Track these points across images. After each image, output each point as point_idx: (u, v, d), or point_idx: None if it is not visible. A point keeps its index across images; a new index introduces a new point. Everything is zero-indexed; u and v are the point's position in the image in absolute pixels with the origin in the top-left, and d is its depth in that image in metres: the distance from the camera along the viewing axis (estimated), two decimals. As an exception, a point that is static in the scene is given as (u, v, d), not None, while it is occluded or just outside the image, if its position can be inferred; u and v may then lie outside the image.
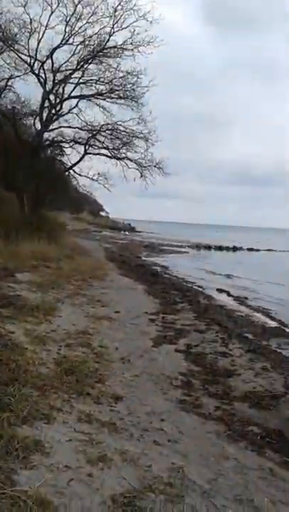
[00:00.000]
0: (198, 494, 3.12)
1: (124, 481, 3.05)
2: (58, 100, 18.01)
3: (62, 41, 17.02)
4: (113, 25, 16.70)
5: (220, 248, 41.46)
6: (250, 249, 42.52)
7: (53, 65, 17.32)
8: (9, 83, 17.34)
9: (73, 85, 17.89)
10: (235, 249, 41.96)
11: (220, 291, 14.97)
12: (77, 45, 17.16)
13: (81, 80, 17.77)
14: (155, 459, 3.47)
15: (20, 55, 16.85)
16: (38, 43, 16.83)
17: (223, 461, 3.68)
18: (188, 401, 4.88)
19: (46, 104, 17.72)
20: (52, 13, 16.58)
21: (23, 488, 2.64)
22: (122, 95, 17.61)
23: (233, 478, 3.44)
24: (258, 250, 42.48)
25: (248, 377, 5.85)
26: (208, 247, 41.43)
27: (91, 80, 17.79)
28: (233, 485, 3.33)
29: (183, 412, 4.58)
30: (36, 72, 17.26)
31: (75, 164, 18.53)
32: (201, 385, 5.42)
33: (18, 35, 16.55)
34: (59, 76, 17.58)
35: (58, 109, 18.05)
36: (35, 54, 16.94)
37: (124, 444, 3.60)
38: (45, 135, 18.28)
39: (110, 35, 16.88)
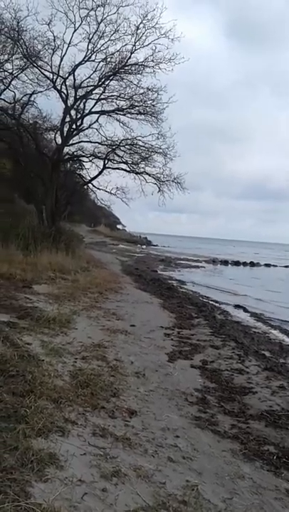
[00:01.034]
0: (213, 514, 3.08)
1: (138, 498, 3.03)
2: (78, 115, 18.32)
3: (84, 58, 17.37)
4: (135, 42, 17.00)
5: (237, 263, 41.25)
6: (268, 265, 42.28)
7: (74, 82, 17.68)
8: (32, 98, 17.76)
9: (94, 101, 18.22)
10: (252, 264, 41.71)
11: (236, 306, 14.85)
12: (99, 62, 17.50)
13: (102, 96, 18.08)
14: (169, 476, 3.44)
15: (43, 71, 17.26)
16: (61, 60, 17.24)
17: (238, 481, 3.63)
18: (203, 418, 4.83)
19: (67, 119, 18.05)
20: (75, 30, 16.99)
21: (37, 500, 2.64)
22: (141, 111, 17.83)
23: (249, 498, 3.39)
24: (275, 266, 42.20)
25: (264, 396, 5.77)
26: (225, 262, 41.27)
27: (112, 96, 18.08)
28: (248, 505, 3.28)
29: (198, 429, 4.53)
30: (58, 88, 17.63)
31: (94, 178, 18.77)
32: (217, 402, 5.37)
33: (41, 52, 16.95)
34: (80, 92, 17.92)
35: (78, 124, 18.36)
36: (58, 70, 17.32)
37: (138, 460, 3.58)
38: (66, 149, 18.58)
39: (132, 53, 17.17)
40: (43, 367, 4.98)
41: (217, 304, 14.64)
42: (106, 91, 18.03)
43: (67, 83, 17.69)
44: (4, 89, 17.43)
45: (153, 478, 3.35)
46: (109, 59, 17.46)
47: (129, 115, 18.18)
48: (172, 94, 17.78)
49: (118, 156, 18.67)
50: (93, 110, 18.31)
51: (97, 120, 18.41)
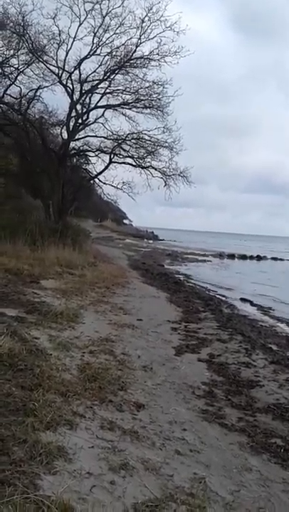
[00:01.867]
0: (221, 506, 3.10)
1: (146, 490, 3.05)
2: (84, 110, 18.28)
3: (89, 52, 17.29)
4: (140, 36, 16.88)
5: (244, 257, 41.10)
6: (275, 259, 42.10)
7: (80, 76, 17.62)
8: (38, 93, 17.72)
9: (100, 95, 18.17)
10: (259, 258, 41.54)
11: (243, 300, 14.83)
12: (105, 56, 17.42)
13: (107, 90, 18.01)
14: (177, 469, 3.47)
15: (48, 66, 17.19)
16: (66, 54, 17.16)
17: (245, 473, 3.65)
18: (210, 411, 4.85)
19: (73, 113, 18.01)
20: (80, 24, 16.90)
21: (46, 493, 2.67)
22: (147, 105, 17.75)
23: (256, 490, 3.41)
24: (282, 260, 42.00)
25: (271, 389, 5.77)
26: (232, 256, 41.15)
27: (117, 90, 18.01)
28: (256, 497, 3.30)
29: (205, 422, 4.55)
30: (64, 82, 17.58)
31: (100, 173, 18.77)
32: (224, 396, 5.38)
33: (47, 47, 16.88)
34: (86, 86, 17.87)
35: (84, 118, 18.32)
36: (64, 65, 17.26)
37: (146, 453, 3.61)
38: (72, 144, 18.55)
39: (137, 46, 17.07)
40: (51, 361, 5.02)
41: (224, 298, 14.64)
42: (111, 85, 17.98)
43: (72, 78, 17.66)
44: (10, 85, 17.43)
45: (161, 470, 3.38)
46: (114, 53, 17.40)
47: (134, 109, 18.12)
48: (178, 88, 17.64)
49: (124, 150, 18.64)
50: (99, 104, 18.29)
51: (102, 114, 18.39)
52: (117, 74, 17.77)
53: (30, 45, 16.46)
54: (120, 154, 18.65)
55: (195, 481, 3.33)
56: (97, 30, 17.02)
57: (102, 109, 18.33)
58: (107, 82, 17.87)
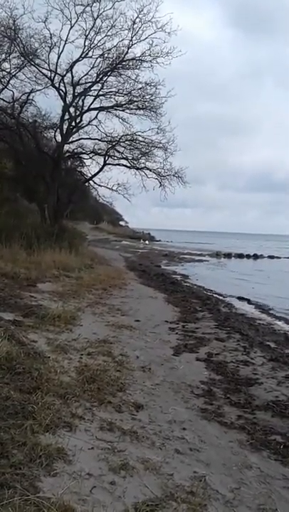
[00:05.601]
0: (221, 503, 3.10)
1: (146, 490, 3.05)
2: (77, 113, 18.33)
3: (81, 55, 17.36)
4: (132, 37, 16.98)
5: (240, 256, 41.18)
6: (271, 257, 42.19)
7: (72, 79, 17.68)
8: (30, 97, 17.75)
9: (93, 97, 18.23)
10: (256, 256, 41.62)
11: (240, 299, 14.84)
12: (97, 58, 17.49)
13: (100, 92, 18.08)
14: (177, 468, 3.47)
15: (40, 69, 17.27)
16: (58, 57, 17.23)
17: (245, 471, 3.65)
18: (209, 410, 4.85)
19: (66, 116, 18.06)
20: (71, 27, 16.97)
21: (46, 495, 2.67)
22: (140, 106, 17.83)
23: (257, 487, 3.41)
24: (278, 258, 42.09)
25: (270, 386, 5.78)
26: (229, 255, 41.22)
27: (110, 91, 18.09)
28: (256, 494, 3.30)
29: (204, 421, 4.55)
30: (56, 85, 17.64)
31: (94, 175, 18.82)
32: (223, 394, 5.38)
33: (38, 50, 16.96)
34: (79, 89, 17.94)
35: (77, 121, 18.37)
36: (56, 68, 17.33)
37: (145, 453, 3.60)
38: (66, 147, 18.62)
39: (129, 48, 17.17)
40: (49, 364, 5.01)
41: (221, 297, 14.65)
42: (104, 87, 18.06)
43: (65, 80, 17.74)
44: (3, 89, 17.47)
45: (161, 470, 3.38)
46: (106, 55, 17.48)
47: (128, 111, 18.23)
48: (171, 89, 17.68)
49: (118, 152, 18.71)
50: (92, 107, 18.35)
51: (96, 117, 18.46)
52: (109, 76, 17.85)
53: (21, 48, 16.50)
54: (114, 156, 18.72)
55: (195, 479, 3.33)
56: (89, 33, 17.12)
57: (96, 112, 18.42)
58: (99, 85, 17.96)
